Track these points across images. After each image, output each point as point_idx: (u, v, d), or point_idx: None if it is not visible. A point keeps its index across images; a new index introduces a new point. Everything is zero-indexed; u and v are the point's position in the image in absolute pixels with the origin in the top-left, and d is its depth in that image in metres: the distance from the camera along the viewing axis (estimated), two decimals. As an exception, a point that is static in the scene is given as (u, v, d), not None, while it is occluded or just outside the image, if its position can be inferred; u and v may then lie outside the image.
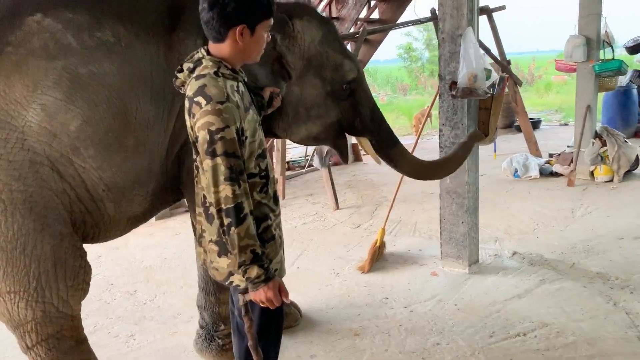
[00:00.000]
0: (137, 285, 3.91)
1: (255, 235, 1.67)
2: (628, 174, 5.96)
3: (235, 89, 1.70)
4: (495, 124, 3.62)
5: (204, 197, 1.74)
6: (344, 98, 2.49)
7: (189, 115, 1.63)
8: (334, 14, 6.66)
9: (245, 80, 1.81)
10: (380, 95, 19.30)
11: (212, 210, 1.64)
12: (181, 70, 1.74)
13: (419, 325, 3.07)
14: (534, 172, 6.30)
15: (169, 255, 4.48)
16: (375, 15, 7.29)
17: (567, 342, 2.78)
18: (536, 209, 5.08)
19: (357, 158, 8.16)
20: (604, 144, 6.00)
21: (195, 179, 1.80)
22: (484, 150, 5.07)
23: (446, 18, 3.48)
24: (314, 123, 2.47)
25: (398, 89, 22.54)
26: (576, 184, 5.85)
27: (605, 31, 5.92)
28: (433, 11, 4.84)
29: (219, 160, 1.57)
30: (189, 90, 1.65)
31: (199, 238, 1.87)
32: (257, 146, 1.76)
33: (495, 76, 3.41)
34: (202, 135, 1.58)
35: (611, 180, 5.86)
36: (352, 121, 2.55)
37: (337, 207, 5.56)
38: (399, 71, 25.46)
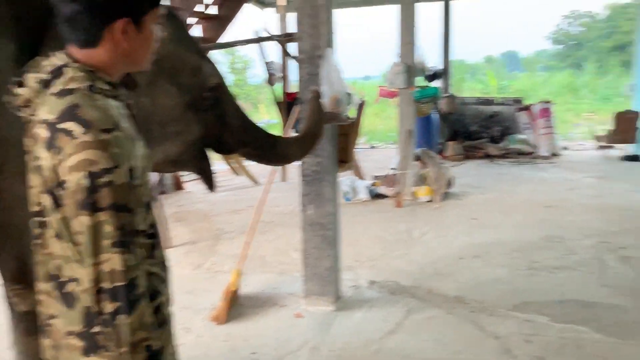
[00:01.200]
0: None
1: (152, 324, 1.16)
2: (446, 193, 6.39)
3: (121, 111, 1.17)
4: (353, 150, 3.44)
5: (58, 268, 1.14)
6: (207, 109, 2.05)
7: (48, 148, 1.07)
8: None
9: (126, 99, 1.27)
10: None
11: (78, 289, 1.10)
12: (21, 85, 1.15)
13: (300, 382, 2.69)
14: (364, 195, 6.39)
15: None
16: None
17: (456, 380, 2.65)
18: (377, 233, 5.09)
19: (178, 186, 7.48)
20: (424, 165, 6.36)
21: (37, 241, 1.18)
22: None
23: (304, 37, 3.22)
24: (172, 142, 1.99)
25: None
26: (403, 205, 6.07)
27: (420, 60, 6.33)
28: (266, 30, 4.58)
29: (102, 216, 1.06)
30: (47, 113, 1.09)
31: (41, 325, 1.24)
32: (146, 192, 1.23)
33: (357, 100, 3.24)
34: (76, 180, 1.05)
35: (432, 200, 6.21)
36: (219, 136, 2.14)
37: (169, 245, 4.90)
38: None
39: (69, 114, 1.06)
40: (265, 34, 6.64)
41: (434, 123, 8.92)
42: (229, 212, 6.12)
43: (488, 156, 9.21)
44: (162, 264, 1.34)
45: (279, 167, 7.42)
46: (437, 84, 9.33)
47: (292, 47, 7.11)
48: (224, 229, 5.44)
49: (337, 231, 3.51)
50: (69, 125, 1.05)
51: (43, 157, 1.09)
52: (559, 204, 5.99)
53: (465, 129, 10.09)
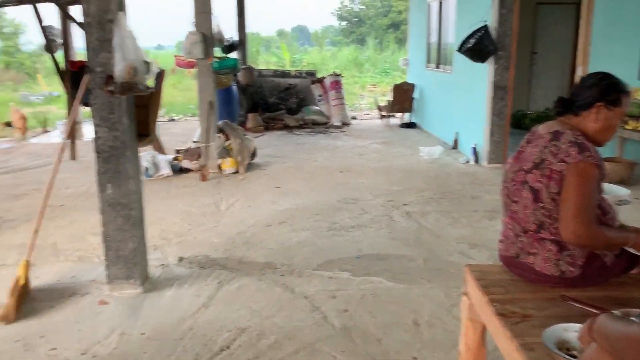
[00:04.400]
0: None
1: None
2: (250, 164, 6.48)
3: None
4: (154, 122, 3.27)
5: None
6: None
7: None
8: None
9: None
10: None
11: None
12: None
13: (110, 372, 2.51)
14: (166, 170, 6.16)
15: None
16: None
17: (271, 343, 2.74)
18: (183, 209, 4.96)
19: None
20: (227, 137, 6.34)
21: None
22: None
23: (90, -1, 2.91)
24: None
25: (-33, 83, 18.77)
26: (209, 178, 6.00)
27: (217, 30, 6.22)
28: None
29: None
30: None
31: None
32: None
33: (155, 69, 3.06)
34: None
35: (237, 172, 6.26)
36: None
37: None
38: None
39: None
40: (40, -6, 5.85)
41: (234, 95, 8.93)
42: (8, 198, 5.38)
43: (286, 127, 9.57)
44: None
45: (68, 144, 6.73)
46: (233, 55, 9.31)
47: (76, 11, 6.42)
48: (3, 217, 4.77)
49: (142, 210, 3.33)
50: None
51: None
52: (351, 168, 6.51)
53: (264, 100, 10.31)
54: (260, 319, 2.98)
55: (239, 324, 2.93)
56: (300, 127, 9.60)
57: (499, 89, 6.35)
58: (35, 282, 3.38)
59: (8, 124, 9.84)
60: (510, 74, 6.34)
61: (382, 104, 10.57)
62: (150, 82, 3.05)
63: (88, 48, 2.99)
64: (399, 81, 11.15)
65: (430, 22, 9.17)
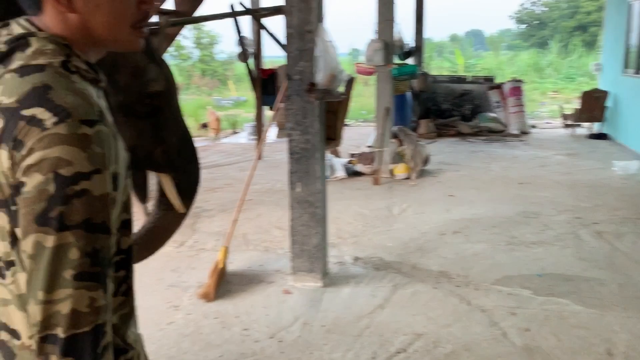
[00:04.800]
0: None
1: None
2: (422, 170, 6.46)
3: (102, 101, 0.92)
4: (342, 127, 3.44)
5: None
6: (143, 116, 1.78)
7: (4, 142, 0.77)
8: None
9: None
10: (155, 94, 18.09)
11: (14, 342, 0.85)
12: None
13: (294, 357, 2.70)
14: (341, 173, 6.41)
15: None
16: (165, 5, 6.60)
17: (448, 352, 2.72)
18: (356, 210, 5.13)
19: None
20: (401, 143, 6.40)
21: None
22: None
23: (293, 11, 3.16)
24: None
25: (172, 88, 21.46)
26: (381, 182, 6.12)
27: (398, 37, 6.31)
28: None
29: (68, 237, 0.75)
30: (2, 96, 0.80)
31: None
32: (124, 208, 0.91)
33: (346, 76, 3.22)
34: (36, 183, 0.74)
35: (409, 177, 6.28)
36: (150, 151, 1.82)
37: (149, 223, 4.81)
38: (168, 69, 24.28)
39: (38, 97, 0.77)
40: (240, 8, 6.49)
41: (408, 101, 8.97)
42: (206, 190, 6.04)
43: (460, 134, 9.34)
44: (132, 307, 0.98)
45: (257, 144, 7.36)
46: (409, 62, 9.35)
47: (269, 23, 7.00)
48: (202, 207, 5.37)
49: (325, 209, 3.52)
50: (37, 111, 0.75)
51: None
52: (531, 180, 6.14)
53: (437, 107, 10.19)
54: (436, 327, 2.97)
55: (415, 329, 2.95)
56: (474, 134, 9.30)
57: None
58: (229, 267, 3.76)
59: (204, 125, 11.08)
60: None
61: (568, 112, 9.79)
62: (340, 88, 3.21)
63: (288, 57, 3.25)
64: (587, 88, 10.23)
65: (631, 24, 8.26)
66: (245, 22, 7.71)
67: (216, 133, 10.05)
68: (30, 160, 0.74)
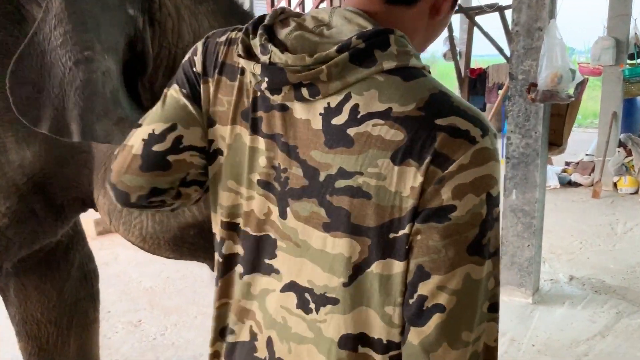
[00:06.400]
0: (140, 314, 3.26)
1: None
2: (653, 185, 5.65)
3: None
4: (569, 133, 3.15)
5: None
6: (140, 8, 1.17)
7: (410, 157, 0.64)
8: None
9: None
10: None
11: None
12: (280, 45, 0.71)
13: (500, 374, 2.56)
14: (554, 182, 5.91)
15: (171, 274, 3.83)
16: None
17: (689, 400, 2.33)
18: (572, 224, 4.68)
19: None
20: (629, 153, 5.68)
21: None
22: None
23: (522, 8, 2.98)
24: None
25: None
26: (601, 195, 5.49)
27: (635, 33, 5.59)
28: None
29: (491, 265, 0.66)
30: (392, 101, 0.66)
31: None
32: None
33: (579, 77, 2.94)
34: (472, 205, 0.64)
35: (636, 192, 5.53)
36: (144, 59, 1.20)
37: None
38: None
39: (445, 105, 0.66)
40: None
41: (638, 106, 7.91)
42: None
43: (703, 146, 7.94)
44: None
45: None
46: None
47: (482, 20, 6.76)
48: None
49: (542, 220, 3.27)
50: (457, 122, 0.64)
51: (380, 173, 0.65)
52: None
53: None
54: (673, 369, 2.56)
55: (645, 366, 2.58)
56: None
57: None
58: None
59: None
60: None
61: None
62: (570, 90, 2.94)
63: (512, 55, 3.08)
64: None
65: None
66: (454, 20, 7.56)
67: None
68: (462, 178, 0.63)
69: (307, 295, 0.73)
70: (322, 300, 0.71)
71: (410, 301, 0.66)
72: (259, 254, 0.78)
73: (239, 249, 0.80)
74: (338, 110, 0.67)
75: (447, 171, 0.63)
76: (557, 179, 5.96)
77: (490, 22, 6.81)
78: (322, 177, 0.69)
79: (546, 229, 4.46)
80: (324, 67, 0.66)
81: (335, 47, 0.67)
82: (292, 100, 0.70)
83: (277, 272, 0.76)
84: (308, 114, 0.70)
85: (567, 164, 6.36)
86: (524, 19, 2.99)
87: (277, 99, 0.71)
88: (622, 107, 7.32)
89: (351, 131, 0.66)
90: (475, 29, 6.72)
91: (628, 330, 2.92)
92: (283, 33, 0.72)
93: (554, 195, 5.62)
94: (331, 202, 0.68)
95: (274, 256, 0.76)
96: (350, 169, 0.66)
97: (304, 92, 0.69)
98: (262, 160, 0.75)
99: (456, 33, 8.08)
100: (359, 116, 0.66)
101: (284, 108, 0.72)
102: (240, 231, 0.80)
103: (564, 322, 3.02)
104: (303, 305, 0.73)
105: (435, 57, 19.92)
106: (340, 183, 0.67)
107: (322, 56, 0.67)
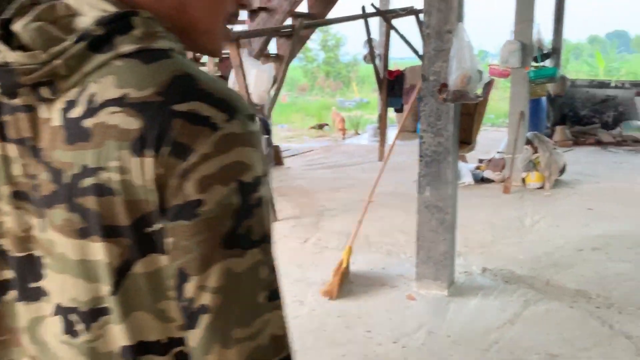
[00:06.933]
0: None
1: None
2: (557, 180, 6.04)
3: None
4: (478, 131, 3.30)
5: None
6: None
7: (149, 147, 0.57)
8: (262, 4, 6.06)
9: None
10: (282, 95, 18.84)
11: None
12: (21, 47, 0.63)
13: (418, 366, 2.65)
14: (468, 179, 6.18)
15: None
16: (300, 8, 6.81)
17: (588, 379, 2.50)
18: (485, 219, 4.91)
19: (278, 162, 7.61)
20: (535, 150, 6.03)
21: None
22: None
23: (432, 11, 3.09)
24: None
25: (297, 89, 22.24)
26: (511, 190, 5.81)
27: (538, 38, 5.95)
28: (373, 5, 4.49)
29: (258, 254, 0.61)
30: (123, 87, 0.59)
31: None
32: None
33: (486, 78, 3.08)
34: (221, 197, 0.58)
35: (542, 187, 5.90)
36: None
37: (276, 219, 5.00)
38: (294, 71, 25.14)
39: (187, 88, 0.59)
40: (371, 9, 6.52)
41: (543, 106, 8.43)
42: (329, 190, 6.15)
43: (599, 143, 8.61)
44: None
45: (382, 146, 7.35)
46: (547, 64, 8.79)
47: (398, 23, 6.95)
48: (325, 206, 5.47)
49: (455, 215, 3.40)
50: (196, 106, 0.58)
51: (122, 166, 0.58)
52: (687, 197, 5.48)
53: (574, 112, 9.48)
54: (573, 349, 2.74)
55: (549, 349, 2.75)
56: (617, 144, 8.52)
57: None
58: (352, 267, 3.77)
59: (320, 126, 11.34)
60: None
61: None
62: (479, 90, 3.08)
63: (424, 57, 3.19)
64: None
65: None
66: (374, 23, 7.77)
67: (343, 133, 10.21)
68: (205, 169, 0.57)
69: (72, 317, 0.65)
70: (92, 315, 0.64)
71: (181, 306, 0.61)
72: (26, 276, 0.68)
73: (8, 274, 0.69)
74: (76, 102, 0.61)
75: (188, 163, 0.57)
76: (471, 175, 6.24)
77: (408, 25, 7.04)
78: (68, 179, 0.61)
79: (461, 223, 4.64)
80: (60, 61, 0.60)
81: (74, 38, 0.60)
82: (34, 101, 0.63)
83: (45, 294, 0.67)
84: (50, 112, 0.63)
85: (481, 161, 6.67)
86: (434, 22, 3.10)
87: (18, 101, 0.64)
88: (528, 107, 7.79)
89: (87, 123, 0.59)
90: (393, 32, 6.91)
91: (535, 317, 3.09)
92: (19, 25, 0.63)
93: (468, 192, 5.88)
94: (81, 204, 0.61)
95: (40, 277, 0.66)
96: (92, 165, 0.60)
97: (44, 91, 0.62)
98: (16, 169, 0.65)
99: (375, 36, 8.28)
100: (94, 106, 0.59)
101: (29, 108, 0.64)
102: (4, 253, 0.69)
103: (477, 312, 3.16)
104: (69, 328, 0.65)
105: (357, 60, 20.38)
106: (85, 182, 0.60)
107: (57, 50, 0.60)
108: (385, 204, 5.43)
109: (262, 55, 5.92)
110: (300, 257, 4.06)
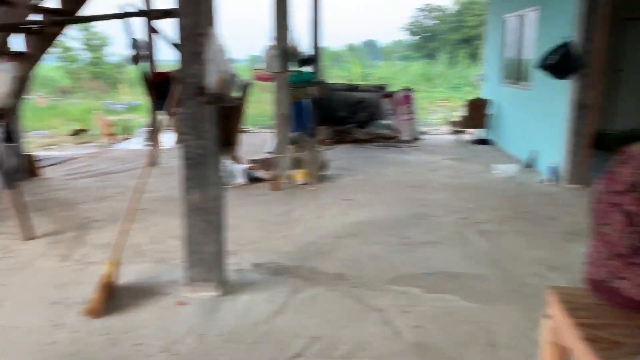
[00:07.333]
0: None
1: None
2: (320, 176, 6.55)
3: None
4: (239, 132, 3.40)
5: None
6: None
7: None
8: (0, -4, 5.33)
9: None
10: (40, 98, 16.85)
11: None
12: None
13: (189, 370, 2.62)
14: (241, 179, 6.34)
15: None
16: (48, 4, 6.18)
17: (344, 353, 2.76)
18: (257, 216, 5.09)
19: (34, 173, 6.81)
20: (299, 149, 6.46)
21: None
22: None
23: (184, 14, 3.08)
24: None
25: (58, 92, 20.15)
26: (281, 187, 6.13)
27: (293, 44, 6.38)
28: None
29: None
30: None
31: None
32: None
33: (243, 82, 3.18)
34: None
35: (307, 183, 6.35)
36: None
37: (31, 237, 4.45)
38: (54, 71, 22.77)
39: None
40: (131, 9, 6.22)
41: (306, 108, 9.07)
42: (95, 200, 5.72)
43: (356, 141, 9.61)
44: None
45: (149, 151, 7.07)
46: (307, 69, 9.48)
47: (162, 25, 6.77)
48: (91, 217, 5.07)
49: (222, 215, 3.45)
50: None
51: None
52: (422, 184, 6.45)
53: (334, 114, 10.41)
54: (333, 329, 3.01)
55: (312, 332, 2.97)
56: (369, 140, 9.61)
57: (580, 107, 6.11)
58: (121, 281, 3.57)
59: (77, 132, 10.55)
60: (594, 92, 6.09)
61: (455, 119, 10.41)
62: (237, 93, 3.17)
63: (181, 60, 3.16)
64: (470, 97, 10.95)
65: (505, 38, 8.97)
66: (138, 24, 7.47)
67: (109, 139, 9.57)
68: None
69: None
70: None
71: None
72: None
73: None
74: None
75: None
76: (245, 176, 6.41)
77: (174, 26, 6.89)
78: None
79: (234, 223, 4.74)
80: None
81: None
82: None
83: None
84: None
85: (253, 161, 6.89)
86: (187, 25, 3.09)
87: None
88: (291, 109, 8.28)
89: None
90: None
91: (302, 304, 3.31)
92: None
93: (241, 192, 6.04)
94: None
95: None
96: None
97: None
98: None
99: (142, 37, 7.93)
100: None
101: None
102: None
103: (248, 307, 3.26)
104: None
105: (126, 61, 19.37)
106: None
107: None
108: (157, 210, 5.27)
109: (1, 53, 5.21)
110: (59, 277, 3.69)
